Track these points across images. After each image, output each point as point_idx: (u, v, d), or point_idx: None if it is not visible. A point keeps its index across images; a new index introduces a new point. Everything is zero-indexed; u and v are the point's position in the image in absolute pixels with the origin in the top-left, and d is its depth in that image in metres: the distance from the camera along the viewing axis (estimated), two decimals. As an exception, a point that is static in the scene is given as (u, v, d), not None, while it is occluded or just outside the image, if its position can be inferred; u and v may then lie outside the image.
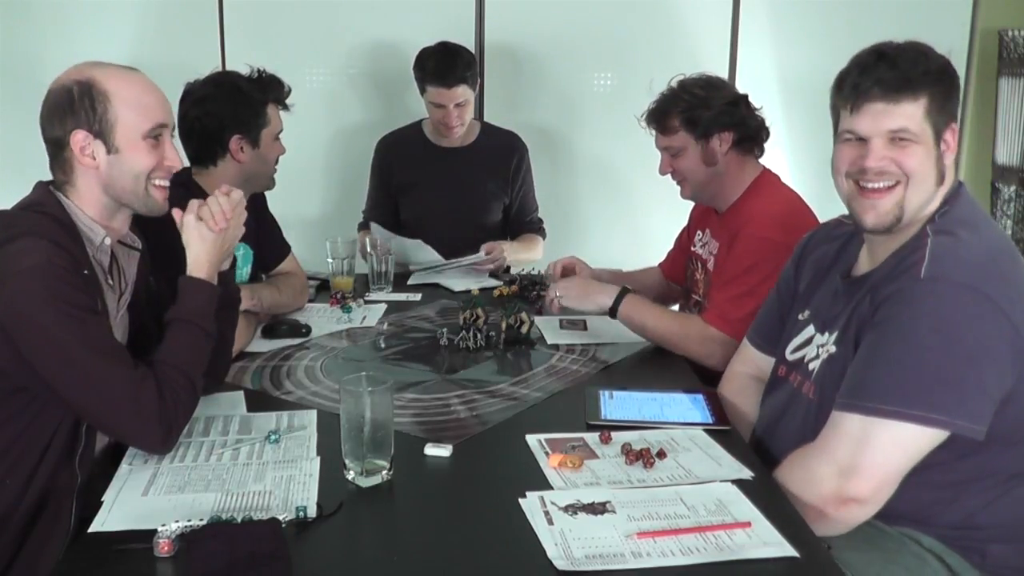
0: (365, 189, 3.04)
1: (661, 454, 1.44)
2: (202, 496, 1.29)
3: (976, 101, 3.45)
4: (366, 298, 2.47)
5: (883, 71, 1.38)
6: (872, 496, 1.33)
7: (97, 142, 1.43)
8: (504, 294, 2.51)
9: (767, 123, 2.13)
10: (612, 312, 2.06)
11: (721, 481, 1.36)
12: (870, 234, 1.49)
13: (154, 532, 1.15)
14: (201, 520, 1.18)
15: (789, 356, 1.62)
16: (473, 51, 2.96)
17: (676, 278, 2.45)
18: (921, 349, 1.31)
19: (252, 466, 1.40)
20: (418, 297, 2.52)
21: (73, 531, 1.36)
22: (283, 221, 2.42)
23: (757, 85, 2.96)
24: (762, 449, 1.59)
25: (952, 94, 1.42)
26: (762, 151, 2.15)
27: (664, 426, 1.58)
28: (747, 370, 1.78)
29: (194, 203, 1.53)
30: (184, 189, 1.72)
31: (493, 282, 2.67)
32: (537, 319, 2.20)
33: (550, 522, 1.22)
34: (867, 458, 1.31)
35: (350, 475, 1.35)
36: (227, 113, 2.05)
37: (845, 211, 1.54)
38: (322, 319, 2.26)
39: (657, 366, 1.98)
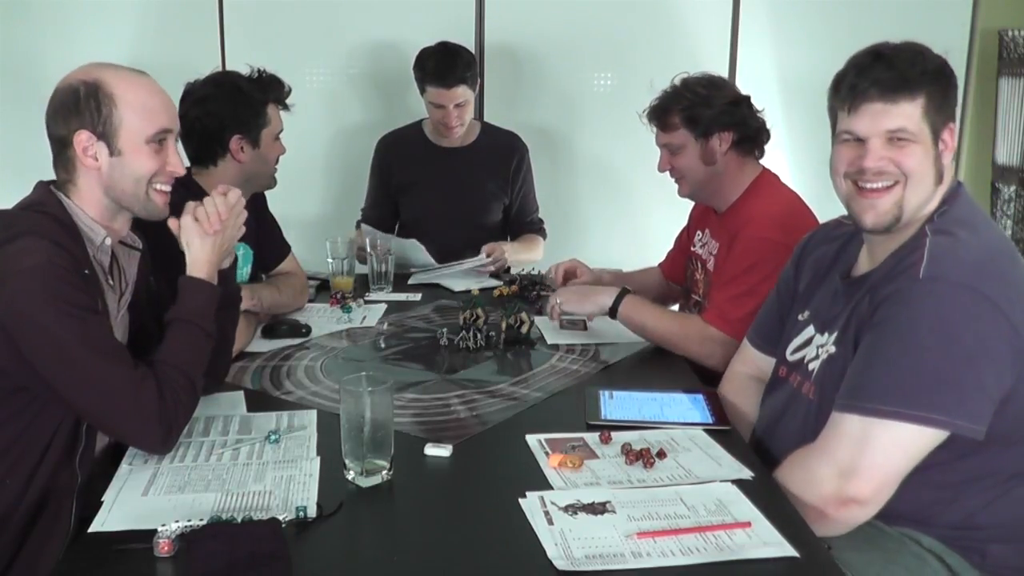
0: (365, 189, 3.04)
1: (661, 454, 1.44)
2: (202, 496, 1.29)
3: (976, 101, 3.45)
4: (366, 298, 2.47)
5: (880, 71, 1.38)
6: (872, 497, 1.33)
7: (100, 143, 1.43)
8: (504, 294, 2.51)
9: (768, 125, 2.13)
10: (612, 312, 2.06)
11: (721, 481, 1.36)
12: (869, 234, 1.49)
13: (154, 532, 1.15)
14: (201, 520, 1.18)
15: (789, 357, 1.62)
16: (473, 51, 2.95)
17: (676, 278, 2.45)
18: (920, 349, 1.31)
19: (252, 466, 1.40)
20: (418, 297, 2.52)
21: (73, 531, 1.36)
22: (283, 221, 2.42)
23: (757, 85, 2.95)
24: (762, 449, 1.59)
25: (949, 93, 1.42)
26: (762, 152, 2.15)
27: (664, 426, 1.58)
28: (747, 370, 1.78)
29: (191, 205, 1.53)
30: (184, 189, 1.71)
31: (493, 282, 2.67)
32: (537, 319, 2.20)
33: (550, 522, 1.22)
34: (867, 459, 1.31)
35: (350, 475, 1.35)
36: (227, 113, 2.05)
37: (845, 211, 1.54)
38: (322, 319, 2.26)
39: (657, 366, 1.98)
